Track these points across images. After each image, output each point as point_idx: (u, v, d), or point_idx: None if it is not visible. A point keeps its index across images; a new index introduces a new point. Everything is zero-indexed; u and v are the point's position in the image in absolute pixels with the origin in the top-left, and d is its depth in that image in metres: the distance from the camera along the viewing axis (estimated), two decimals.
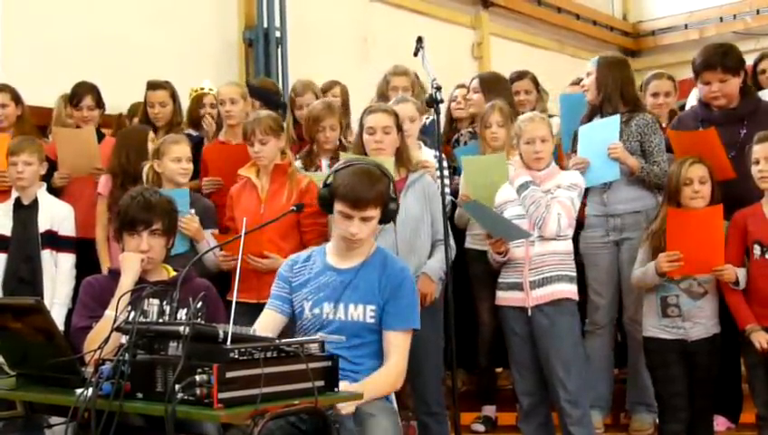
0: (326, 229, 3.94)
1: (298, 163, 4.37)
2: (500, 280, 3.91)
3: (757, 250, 3.71)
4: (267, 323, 2.96)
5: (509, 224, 3.75)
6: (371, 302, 2.91)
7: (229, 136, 4.82)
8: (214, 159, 4.70)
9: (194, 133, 5.13)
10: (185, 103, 5.32)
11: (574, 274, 3.84)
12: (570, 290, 3.78)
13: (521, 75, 5.26)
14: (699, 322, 3.77)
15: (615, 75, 4.35)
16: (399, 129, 3.90)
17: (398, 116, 3.93)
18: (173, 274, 3.23)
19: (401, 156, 3.90)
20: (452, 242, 3.89)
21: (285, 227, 3.88)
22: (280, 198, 4.01)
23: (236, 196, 4.19)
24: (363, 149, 3.88)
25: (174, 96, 5.06)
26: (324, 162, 4.39)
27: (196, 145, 4.94)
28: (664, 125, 4.54)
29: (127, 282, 3.03)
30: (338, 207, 2.94)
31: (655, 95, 4.86)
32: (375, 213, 2.93)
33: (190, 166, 4.21)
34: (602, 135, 4.19)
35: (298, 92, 5.07)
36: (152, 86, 5.04)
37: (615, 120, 4.22)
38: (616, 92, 4.30)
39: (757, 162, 3.71)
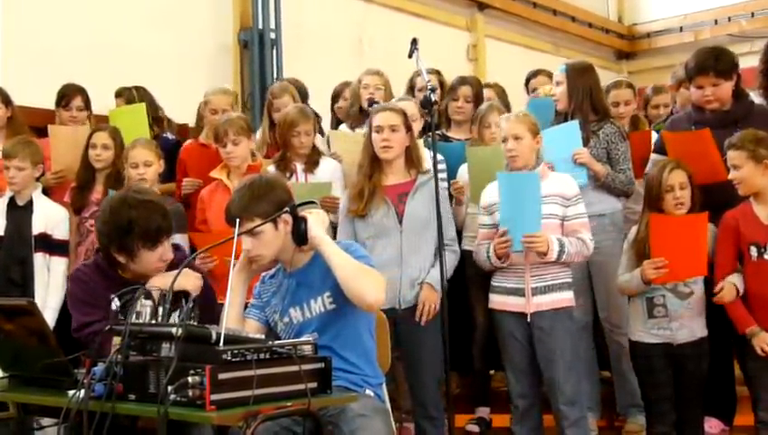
0: None
1: (271, 168, 4.34)
2: (495, 283, 3.83)
3: (754, 252, 3.65)
4: (249, 330, 2.95)
5: (534, 217, 3.61)
6: (324, 289, 2.92)
7: (210, 138, 4.77)
8: (192, 159, 4.70)
9: (171, 137, 5.12)
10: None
11: (572, 279, 3.82)
12: (569, 297, 3.77)
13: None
14: (686, 323, 3.72)
15: (585, 82, 4.35)
16: (409, 128, 3.85)
17: (406, 115, 3.87)
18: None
19: (410, 156, 3.85)
20: (456, 247, 3.87)
21: None
22: None
23: (208, 198, 4.18)
24: (373, 149, 3.84)
25: (142, 100, 5.03)
26: (299, 167, 4.38)
27: (172, 148, 4.94)
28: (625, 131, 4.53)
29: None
30: None
31: (615, 105, 4.82)
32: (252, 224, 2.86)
33: (148, 170, 4.20)
34: (565, 140, 4.16)
35: (275, 95, 4.95)
36: (118, 94, 5.11)
37: (573, 125, 4.22)
38: (586, 101, 4.32)
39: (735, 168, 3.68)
